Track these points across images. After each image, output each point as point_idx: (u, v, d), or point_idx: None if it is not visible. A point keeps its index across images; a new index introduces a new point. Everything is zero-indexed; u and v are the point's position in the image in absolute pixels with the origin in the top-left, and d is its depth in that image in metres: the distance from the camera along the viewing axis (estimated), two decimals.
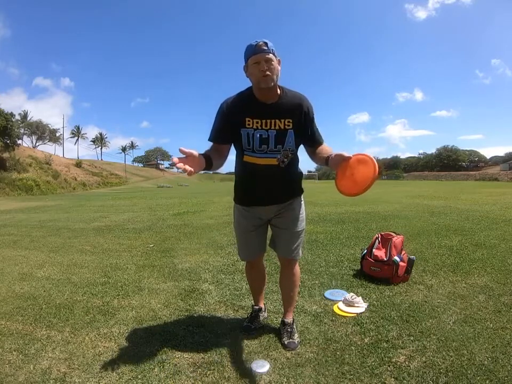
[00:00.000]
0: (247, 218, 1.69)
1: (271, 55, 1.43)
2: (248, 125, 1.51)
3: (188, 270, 3.00)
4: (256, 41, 1.43)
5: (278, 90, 1.52)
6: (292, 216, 1.68)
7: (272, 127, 1.51)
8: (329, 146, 1.63)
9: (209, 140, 1.56)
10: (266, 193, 1.62)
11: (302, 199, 1.74)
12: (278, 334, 1.75)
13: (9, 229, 6.01)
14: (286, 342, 1.66)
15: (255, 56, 1.43)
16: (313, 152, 1.63)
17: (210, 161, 1.41)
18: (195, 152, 1.30)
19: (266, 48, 1.43)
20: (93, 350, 1.66)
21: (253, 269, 1.88)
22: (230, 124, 1.51)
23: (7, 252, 3.99)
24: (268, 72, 1.42)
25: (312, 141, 1.61)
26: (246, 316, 1.93)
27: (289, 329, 1.73)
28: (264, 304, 2.01)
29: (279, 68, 1.50)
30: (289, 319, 1.78)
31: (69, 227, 5.97)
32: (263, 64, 1.42)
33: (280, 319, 1.84)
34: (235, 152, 1.62)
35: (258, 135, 1.51)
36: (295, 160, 1.63)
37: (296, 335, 1.71)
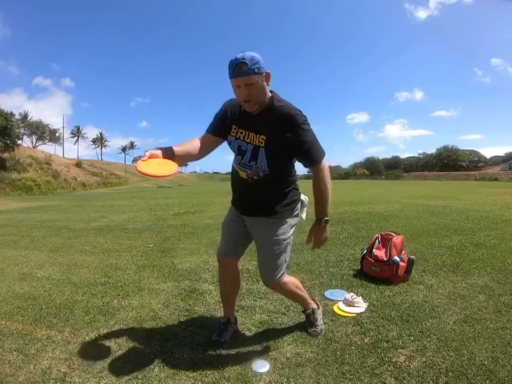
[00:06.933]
0: (236, 216, 1.68)
1: (252, 77, 1.31)
2: (233, 132, 1.51)
3: (188, 270, 3.00)
4: (237, 59, 1.30)
5: (268, 100, 1.43)
6: (264, 236, 1.57)
7: (251, 142, 1.46)
8: (320, 191, 1.47)
9: (206, 130, 1.58)
10: (242, 202, 1.62)
11: (287, 221, 1.56)
12: (278, 334, 1.76)
13: (9, 229, 6.01)
14: (308, 331, 1.76)
15: (235, 79, 1.34)
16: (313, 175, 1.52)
17: (171, 152, 1.42)
18: (156, 152, 1.38)
19: (246, 69, 1.29)
20: (93, 350, 1.66)
21: (223, 272, 1.73)
22: (225, 123, 1.53)
23: (7, 252, 3.99)
24: (249, 98, 1.36)
25: (304, 162, 1.48)
26: (216, 329, 1.76)
27: (310, 319, 1.81)
28: (235, 316, 1.85)
29: (266, 84, 1.39)
30: (307, 311, 1.84)
31: (69, 227, 5.97)
32: (244, 88, 1.33)
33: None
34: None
35: (237, 145, 1.50)
36: (274, 180, 1.49)
37: (318, 323, 1.80)
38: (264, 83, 1.38)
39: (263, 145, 1.42)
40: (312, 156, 1.45)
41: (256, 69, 1.31)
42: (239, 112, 1.50)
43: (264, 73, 1.36)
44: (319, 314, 1.84)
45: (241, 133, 1.49)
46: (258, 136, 1.43)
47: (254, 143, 1.45)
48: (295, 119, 1.39)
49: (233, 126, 1.50)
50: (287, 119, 1.39)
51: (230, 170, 1.67)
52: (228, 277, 1.76)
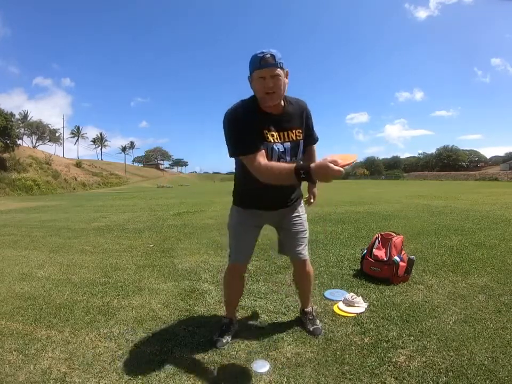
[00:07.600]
0: (247, 219, 1.67)
1: (278, 70, 1.34)
2: (268, 138, 1.42)
3: (188, 270, 3.00)
4: (263, 52, 1.32)
5: (282, 100, 1.46)
6: (299, 218, 1.69)
7: (287, 139, 1.47)
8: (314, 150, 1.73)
9: (247, 152, 1.35)
10: (273, 200, 1.60)
11: (302, 200, 1.76)
12: (278, 334, 1.76)
13: (9, 229, 6.01)
14: (311, 329, 1.76)
15: (261, 70, 1.33)
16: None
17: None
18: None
19: (273, 62, 1.32)
20: (93, 350, 1.66)
21: (236, 276, 1.76)
22: (257, 132, 1.39)
23: (7, 252, 3.99)
24: (273, 90, 1.35)
25: (309, 140, 1.62)
26: (217, 329, 1.78)
27: (310, 317, 1.83)
28: (236, 317, 1.88)
29: (287, 81, 1.42)
30: (309, 308, 1.85)
31: (69, 227, 5.97)
32: (269, 80, 1.33)
33: (300, 309, 1.91)
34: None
35: (277, 149, 1.45)
36: None
37: (318, 321, 1.82)
38: (286, 79, 1.42)
39: (301, 138, 1.52)
40: (316, 134, 1.69)
41: (281, 63, 1.36)
42: (259, 117, 1.42)
43: (286, 70, 1.41)
44: (316, 314, 1.88)
45: (272, 135, 1.44)
46: (294, 131, 1.49)
47: (291, 139, 1.48)
48: (308, 108, 1.58)
49: (265, 131, 1.42)
50: (305, 110, 1.56)
51: (237, 174, 1.62)
52: (237, 281, 1.79)
